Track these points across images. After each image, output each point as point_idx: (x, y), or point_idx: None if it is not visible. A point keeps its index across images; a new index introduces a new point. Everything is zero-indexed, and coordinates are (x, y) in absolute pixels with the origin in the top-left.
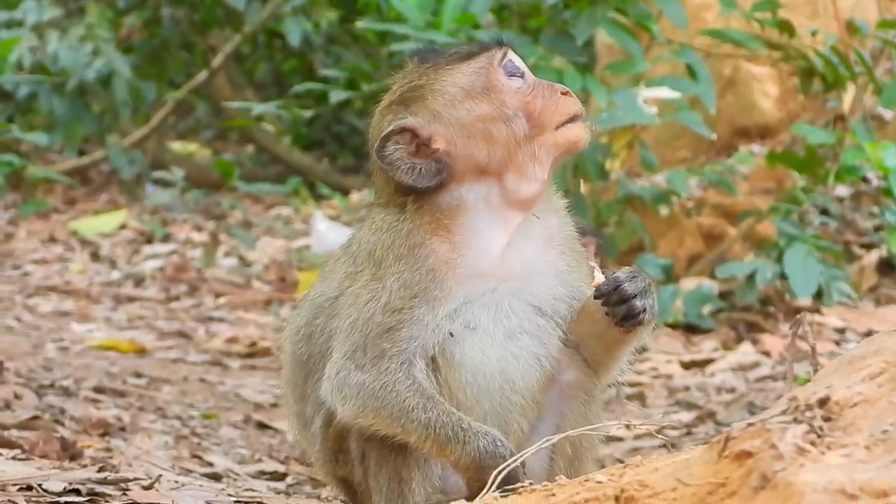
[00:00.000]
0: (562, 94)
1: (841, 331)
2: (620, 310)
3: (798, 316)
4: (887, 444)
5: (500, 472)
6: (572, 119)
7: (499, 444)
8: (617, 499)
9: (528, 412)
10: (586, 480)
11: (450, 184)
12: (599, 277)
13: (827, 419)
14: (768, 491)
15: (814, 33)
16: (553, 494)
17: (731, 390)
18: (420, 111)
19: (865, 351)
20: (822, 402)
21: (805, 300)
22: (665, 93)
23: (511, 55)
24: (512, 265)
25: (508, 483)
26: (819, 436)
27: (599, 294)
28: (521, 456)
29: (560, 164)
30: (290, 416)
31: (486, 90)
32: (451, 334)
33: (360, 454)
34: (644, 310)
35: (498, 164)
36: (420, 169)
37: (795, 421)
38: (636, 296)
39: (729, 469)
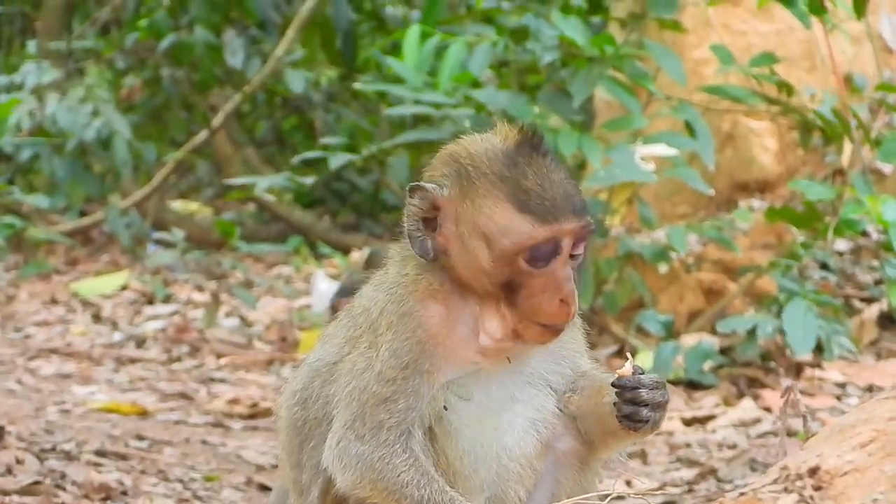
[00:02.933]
0: (561, 300)
1: (842, 385)
2: (627, 409)
3: (789, 386)
4: None
5: None
6: (546, 326)
7: None
8: None
9: (525, 480)
10: None
11: (445, 267)
12: (627, 370)
13: (818, 488)
14: None
15: (812, 96)
16: None
17: (733, 446)
18: (454, 200)
19: (856, 419)
20: (813, 472)
21: (804, 356)
22: (662, 150)
23: (563, 236)
24: (497, 355)
25: None
26: None
27: (618, 384)
28: None
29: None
30: (287, 483)
31: (500, 254)
32: (446, 408)
33: None
34: (647, 421)
35: (474, 295)
36: (419, 236)
37: (786, 490)
38: (648, 406)
39: None
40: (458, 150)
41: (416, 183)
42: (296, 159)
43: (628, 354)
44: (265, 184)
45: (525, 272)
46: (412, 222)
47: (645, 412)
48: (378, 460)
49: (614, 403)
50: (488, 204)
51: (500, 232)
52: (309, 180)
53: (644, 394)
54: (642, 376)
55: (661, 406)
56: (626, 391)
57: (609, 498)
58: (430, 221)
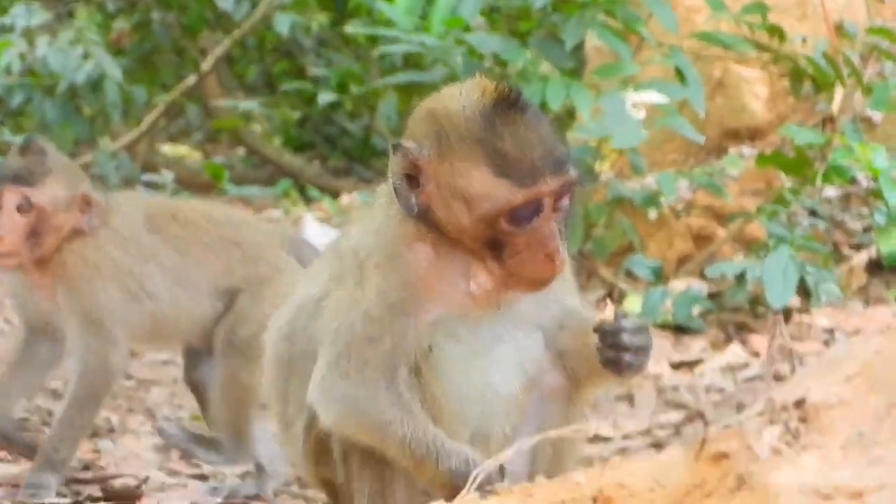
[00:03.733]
0: (546, 255)
1: (829, 331)
2: (609, 354)
3: (775, 318)
4: (863, 445)
5: (478, 474)
6: (532, 280)
7: (471, 464)
8: (595, 499)
9: (511, 416)
10: (565, 481)
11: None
12: (609, 315)
13: (803, 420)
14: (744, 492)
15: (804, 40)
16: (531, 495)
17: (720, 390)
18: (433, 161)
19: (842, 353)
20: (799, 404)
21: (779, 306)
22: (653, 97)
23: (544, 196)
24: (485, 297)
25: (488, 485)
26: (795, 437)
27: (599, 330)
28: (500, 458)
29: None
30: (273, 417)
31: (479, 215)
32: (431, 348)
33: (342, 456)
34: (630, 365)
35: (462, 247)
36: (404, 192)
37: (772, 422)
38: (629, 350)
39: (706, 470)
40: (437, 107)
41: (398, 142)
42: (284, 87)
43: (608, 300)
44: (249, 106)
45: (507, 232)
46: (396, 179)
47: (627, 357)
48: (362, 398)
49: (597, 348)
50: (466, 167)
51: (478, 196)
52: (296, 113)
53: (626, 338)
54: (624, 321)
55: (643, 350)
56: (608, 336)
57: (594, 433)
58: (412, 179)
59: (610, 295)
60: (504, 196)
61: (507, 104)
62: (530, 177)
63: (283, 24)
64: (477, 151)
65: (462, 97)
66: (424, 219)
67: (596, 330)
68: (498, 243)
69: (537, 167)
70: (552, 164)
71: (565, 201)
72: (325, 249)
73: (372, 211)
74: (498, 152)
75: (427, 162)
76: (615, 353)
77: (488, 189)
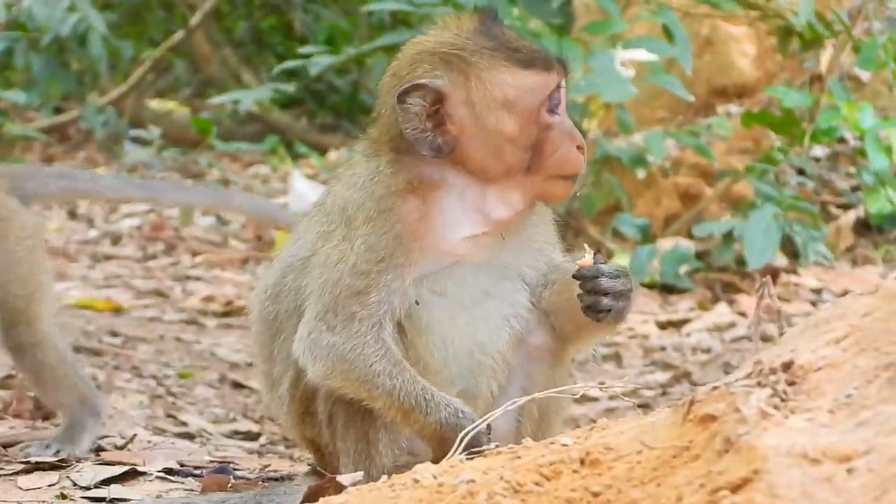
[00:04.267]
0: (577, 147)
1: (817, 291)
2: (588, 299)
3: (763, 280)
4: (851, 408)
5: (465, 435)
6: (569, 176)
7: (460, 415)
8: (582, 461)
9: (497, 374)
10: (552, 443)
11: (445, 160)
12: (587, 260)
13: (791, 383)
14: (731, 454)
15: (791, 2)
16: (518, 457)
17: (707, 350)
18: (457, 85)
19: (831, 314)
20: (787, 366)
21: (756, 267)
22: (642, 55)
23: (563, 85)
24: (476, 247)
25: (474, 446)
26: (783, 400)
27: (578, 275)
28: (487, 419)
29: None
30: (259, 376)
31: (523, 113)
32: (417, 302)
33: (327, 416)
34: (609, 310)
35: (489, 175)
36: (427, 136)
37: (759, 385)
38: (609, 294)
39: (693, 432)
40: (428, 45)
41: (410, 84)
42: (276, 70)
43: (586, 246)
44: (251, 98)
45: (546, 126)
46: (416, 124)
47: (606, 301)
48: (349, 351)
49: (577, 295)
50: (495, 74)
51: (519, 92)
52: (290, 87)
53: (605, 282)
54: (602, 265)
55: (623, 295)
56: (587, 281)
57: (580, 394)
58: (433, 117)
59: (597, 253)
60: (540, 83)
61: (494, 20)
62: (549, 63)
63: None
64: (498, 57)
65: (444, 30)
66: (448, 158)
67: (575, 276)
68: (538, 146)
69: (547, 56)
70: (556, 56)
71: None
72: (312, 209)
73: (354, 167)
74: (516, 51)
75: (451, 88)
76: (594, 298)
77: (525, 82)
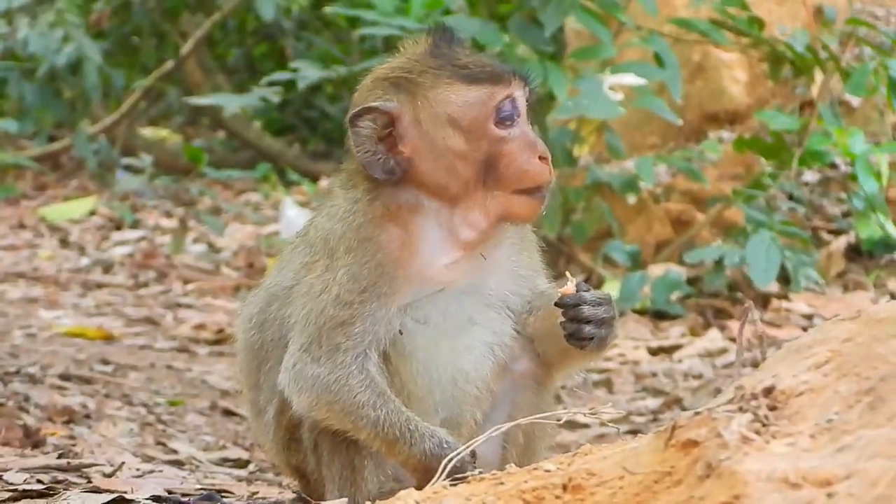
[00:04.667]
0: (539, 157)
1: (808, 317)
2: (571, 327)
3: (746, 305)
4: (832, 433)
5: (449, 462)
6: (533, 190)
7: (445, 445)
8: (564, 487)
9: (481, 402)
10: (535, 469)
11: (408, 183)
12: (570, 288)
13: (772, 408)
14: (713, 479)
15: (783, 33)
16: (502, 483)
17: (699, 376)
18: (405, 106)
19: (812, 339)
20: (768, 391)
21: (766, 288)
22: (631, 79)
23: (516, 95)
24: (462, 269)
25: (459, 473)
26: (764, 425)
27: (560, 303)
28: (471, 445)
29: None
30: (245, 404)
31: (469, 128)
32: (401, 332)
33: (312, 443)
34: (591, 338)
35: (449, 195)
36: (379, 158)
37: (741, 410)
38: (591, 322)
39: (675, 458)
40: (381, 72)
41: (358, 110)
42: (265, 80)
43: (568, 274)
44: (235, 103)
45: (499, 139)
46: (368, 147)
47: (588, 329)
48: (334, 382)
49: (560, 323)
50: (440, 91)
51: (463, 108)
52: (276, 98)
53: (586, 310)
54: (585, 293)
55: (605, 322)
56: (569, 309)
57: (564, 419)
58: (384, 140)
59: (588, 279)
60: (485, 97)
61: (446, 39)
62: (497, 76)
63: (266, 8)
64: (442, 75)
65: (401, 54)
66: (404, 181)
67: (557, 304)
68: (493, 160)
69: (498, 69)
70: (510, 69)
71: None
72: (295, 239)
73: (333, 199)
74: (462, 67)
75: (399, 109)
76: (576, 326)
77: (469, 97)
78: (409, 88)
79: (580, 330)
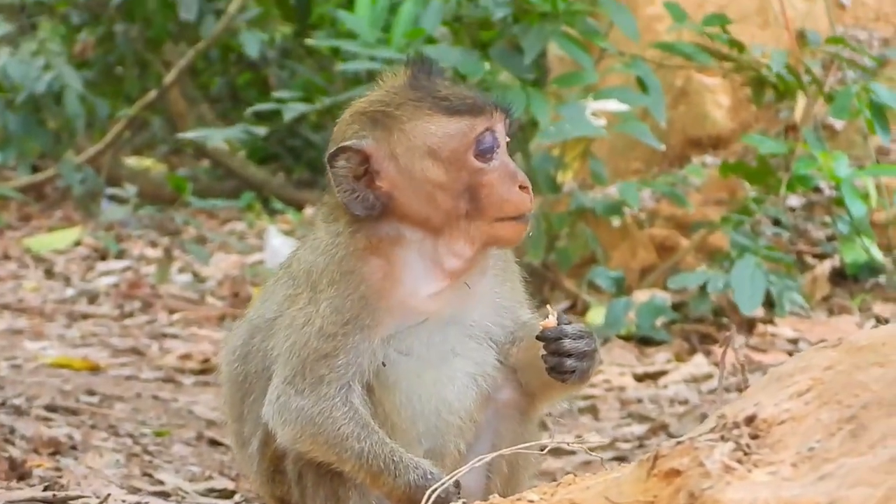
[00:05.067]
0: (520, 187)
1: (794, 341)
2: (552, 360)
3: (728, 333)
4: (813, 461)
5: (433, 493)
6: (515, 217)
7: (429, 476)
8: None
9: (465, 433)
10: (518, 499)
11: (390, 216)
12: (551, 321)
13: (754, 437)
14: None
15: (764, 54)
16: None
17: (685, 402)
18: (381, 142)
19: (794, 368)
20: (750, 420)
21: (751, 314)
22: (613, 105)
23: (496, 128)
24: (446, 300)
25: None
26: (746, 453)
27: (542, 337)
28: (454, 475)
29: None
30: (230, 435)
31: (449, 160)
32: (384, 363)
33: (297, 474)
34: (573, 371)
35: (432, 225)
36: (358, 195)
37: (723, 439)
38: (572, 356)
39: (658, 487)
40: (359, 106)
41: (334, 149)
42: (249, 111)
43: (549, 307)
44: (221, 136)
45: (478, 170)
46: (346, 185)
47: (569, 362)
48: (318, 414)
49: (542, 356)
50: (419, 124)
51: (443, 139)
52: (262, 131)
53: (567, 344)
54: (566, 326)
55: (587, 355)
56: (550, 342)
57: (547, 449)
58: (362, 177)
59: (573, 306)
60: (466, 128)
61: (424, 70)
62: (479, 109)
63: (251, 44)
64: (422, 107)
65: (379, 88)
66: (385, 215)
67: (538, 338)
68: (473, 191)
69: (479, 101)
70: (490, 101)
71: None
72: (278, 271)
73: (316, 232)
74: (442, 99)
75: (375, 146)
76: (558, 360)
77: (449, 129)
78: (385, 123)
79: (562, 363)
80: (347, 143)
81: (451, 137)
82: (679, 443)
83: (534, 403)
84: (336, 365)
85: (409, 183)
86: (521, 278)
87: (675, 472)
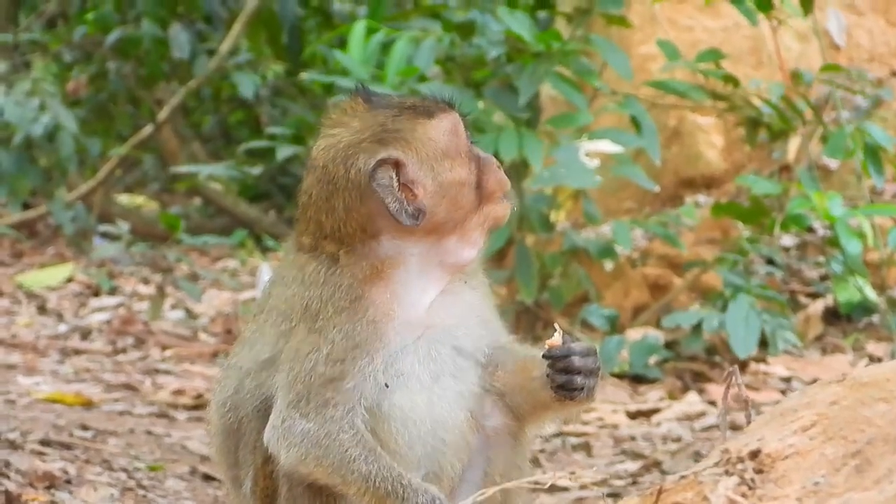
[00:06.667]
0: (497, 167)
1: (787, 380)
2: (561, 378)
3: (730, 370)
4: (818, 496)
5: None
6: (505, 196)
7: (437, 502)
8: None
9: (460, 452)
10: None
11: (385, 234)
12: (556, 340)
13: (759, 471)
14: None
15: (758, 87)
16: None
17: (678, 439)
18: (406, 153)
19: (797, 403)
20: (754, 455)
21: (746, 355)
22: (607, 146)
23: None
24: (438, 314)
25: None
26: (751, 488)
27: (549, 355)
28: None
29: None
30: (225, 479)
31: (460, 155)
32: (387, 385)
33: None
34: (581, 388)
35: (450, 227)
36: (405, 206)
37: (727, 473)
38: (581, 373)
39: None
40: (347, 139)
41: (375, 162)
42: (242, 148)
43: (556, 326)
44: (213, 171)
45: (477, 159)
46: (393, 196)
47: (579, 380)
48: (324, 437)
49: (547, 375)
50: (422, 131)
51: (448, 138)
52: (255, 170)
53: (577, 361)
54: (573, 344)
55: (594, 373)
56: (559, 360)
57: (549, 484)
58: (401, 187)
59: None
60: (453, 124)
61: (366, 93)
62: (447, 105)
63: (246, 86)
64: (408, 117)
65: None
66: (359, 249)
67: (546, 356)
68: (479, 179)
69: (441, 99)
70: (443, 97)
71: None
72: (257, 315)
73: (302, 268)
74: (415, 106)
75: (405, 157)
76: (567, 378)
77: (445, 127)
78: (393, 138)
79: (571, 381)
80: (379, 156)
81: (452, 134)
82: (683, 477)
83: (524, 428)
84: (343, 388)
85: (439, 188)
86: (494, 308)
87: None
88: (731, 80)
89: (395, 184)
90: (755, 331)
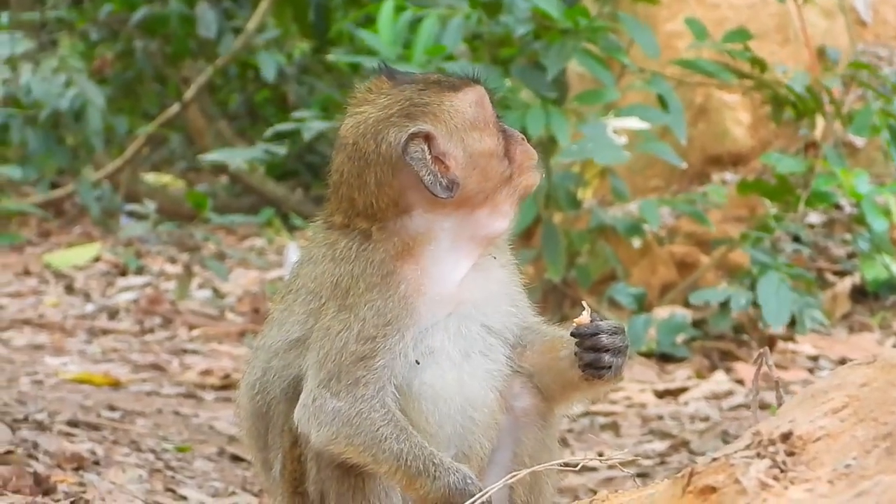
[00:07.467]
0: (522, 139)
1: (814, 358)
2: (588, 356)
3: (761, 351)
4: (850, 478)
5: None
6: (532, 165)
7: (468, 481)
8: None
9: (489, 431)
10: None
11: (416, 209)
12: (585, 318)
13: (790, 454)
14: None
15: (785, 73)
16: None
17: (705, 419)
18: (436, 125)
19: (828, 385)
20: (786, 437)
21: (779, 329)
22: (634, 123)
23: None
24: (468, 290)
25: None
26: (782, 470)
27: (577, 333)
28: (488, 492)
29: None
30: (255, 462)
31: (487, 126)
32: (418, 362)
33: (318, 495)
34: (609, 367)
35: (481, 199)
36: (440, 179)
37: (759, 456)
38: (609, 351)
39: None
40: (374, 115)
41: (406, 136)
42: (269, 132)
43: (584, 304)
44: (241, 157)
45: (503, 130)
46: (427, 169)
47: (607, 358)
48: (356, 415)
49: (575, 353)
50: (447, 105)
51: (475, 110)
52: (282, 150)
53: (605, 339)
54: (601, 322)
55: (621, 351)
56: (587, 339)
57: (580, 466)
58: (434, 160)
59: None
60: (479, 95)
61: (389, 71)
62: (471, 79)
63: (268, 67)
64: (435, 91)
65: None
66: (414, 210)
67: (573, 334)
68: (507, 149)
69: (464, 74)
70: (467, 73)
71: None
72: (285, 295)
73: (333, 245)
74: (440, 81)
75: (435, 130)
76: (595, 356)
77: (471, 99)
78: (421, 111)
79: (599, 359)
80: (412, 129)
81: (478, 106)
82: (714, 459)
83: (552, 408)
84: (374, 366)
85: (470, 160)
86: (523, 289)
87: (711, 489)
88: (758, 63)
89: (428, 156)
90: (787, 303)
